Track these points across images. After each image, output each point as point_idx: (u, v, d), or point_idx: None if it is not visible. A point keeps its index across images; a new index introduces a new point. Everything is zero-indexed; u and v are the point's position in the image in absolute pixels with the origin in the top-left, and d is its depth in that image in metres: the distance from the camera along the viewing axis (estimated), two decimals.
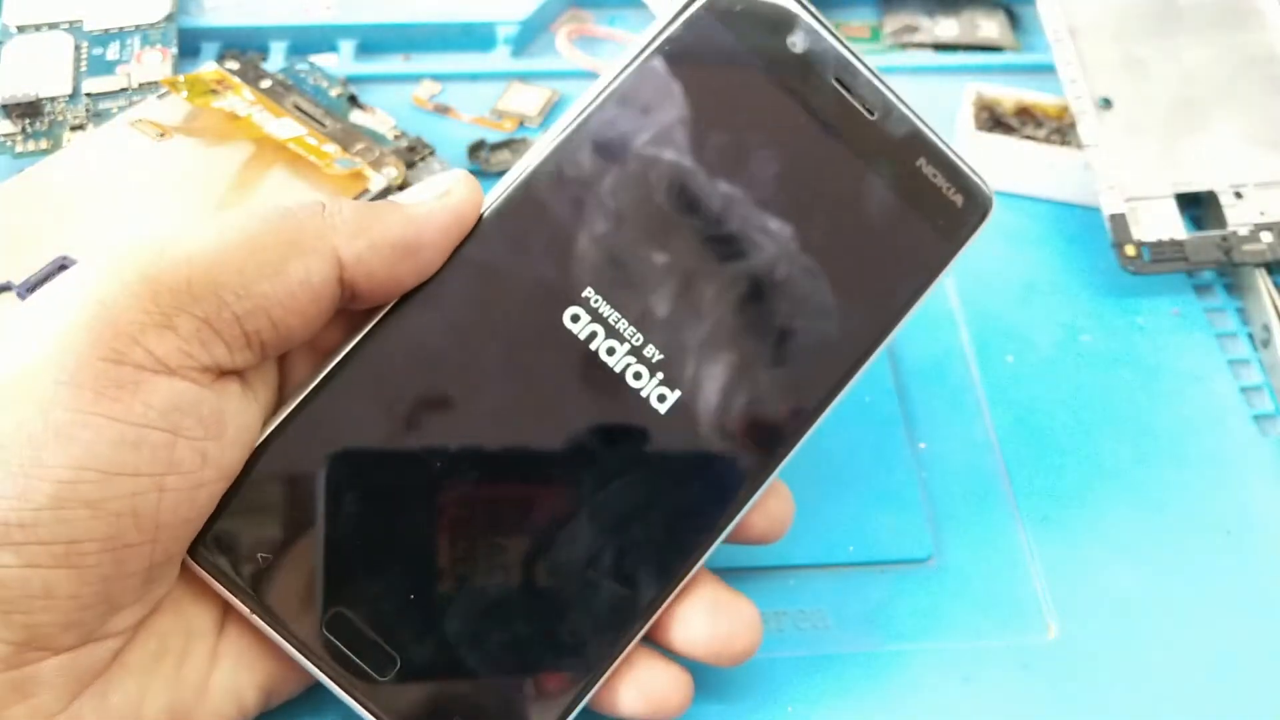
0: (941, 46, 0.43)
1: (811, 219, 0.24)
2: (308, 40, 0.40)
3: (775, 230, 0.24)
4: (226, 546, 0.22)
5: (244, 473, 0.22)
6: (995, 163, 0.37)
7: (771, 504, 0.25)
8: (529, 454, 0.24)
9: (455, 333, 0.23)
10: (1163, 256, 0.34)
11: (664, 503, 0.24)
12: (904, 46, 0.43)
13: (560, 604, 0.24)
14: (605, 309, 0.24)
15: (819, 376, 0.24)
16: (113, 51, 0.37)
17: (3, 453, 0.19)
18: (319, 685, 0.23)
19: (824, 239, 0.24)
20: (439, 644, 0.23)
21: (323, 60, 0.40)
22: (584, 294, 0.24)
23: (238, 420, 0.22)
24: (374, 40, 0.41)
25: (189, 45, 0.39)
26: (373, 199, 0.32)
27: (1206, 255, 0.34)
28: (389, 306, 0.23)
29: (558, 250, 0.24)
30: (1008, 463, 0.31)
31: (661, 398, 0.24)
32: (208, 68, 0.36)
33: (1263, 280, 0.34)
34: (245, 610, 0.22)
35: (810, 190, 0.24)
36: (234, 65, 0.36)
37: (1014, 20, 0.45)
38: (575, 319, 0.23)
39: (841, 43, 0.24)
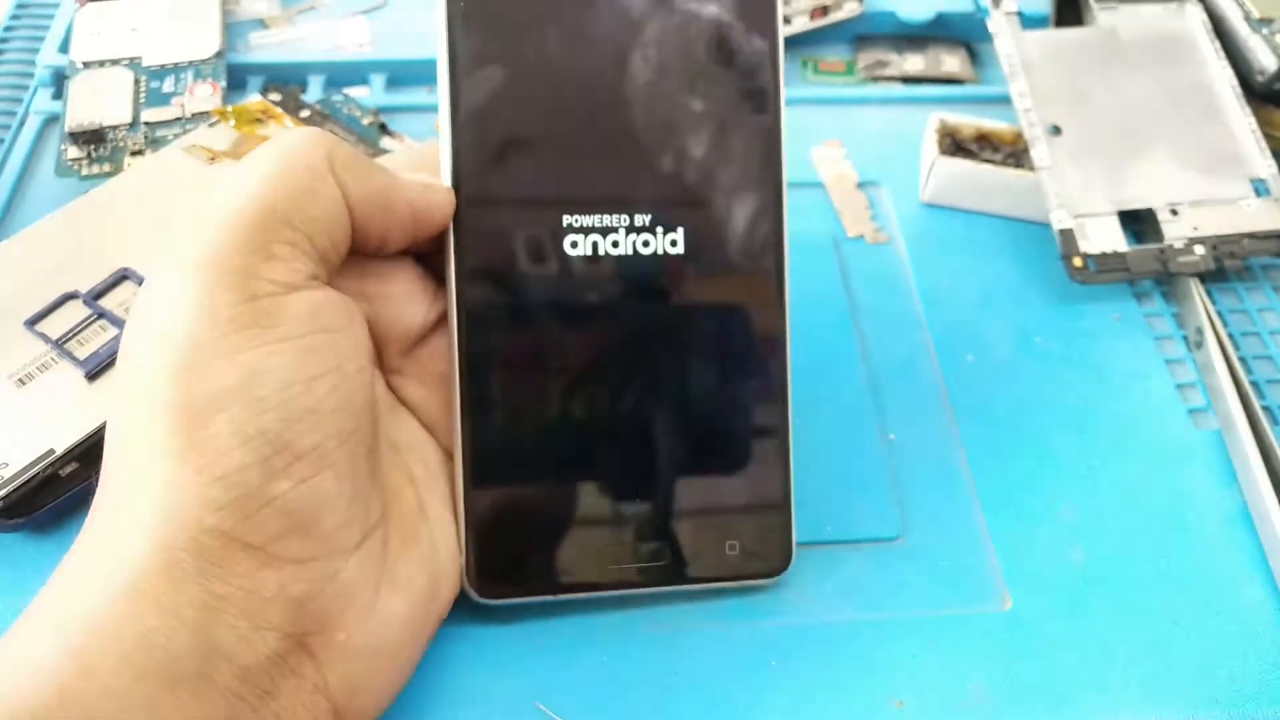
0: (909, 79, 0.43)
1: (667, 63, 0.25)
2: (343, 75, 0.40)
3: (654, 83, 0.25)
4: (508, 569, 0.24)
5: (468, 510, 0.24)
6: (956, 183, 0.36)
7: None
8: (626, 343, 0.25)
9: (516, 308, 0.25)
10: (1106, 267, 0.33)
11: (736, 291, 0.26)
12: (875, 79, 0.43)
13: (733, 408, 0.25)
14: (586, 220, 0.25)
15: (762, 138, 0.26)
16: (168, 85, 0.37)
17: (231, 415, 0.19)
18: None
19: (686, 64, 0.25)
20: (680, 512, 0.25)
21: (356, 92, 0.39)
22: (565, 223, 0.24)
23: (356, 312, 0.23)
24: (401, 75, 0.41)
25: (236, 79, 0.39)
26: None
27: (1145, 266, 0.34)
28: (457, 322, 0.24)
29: (527, 208, 0.25)
30: (968, 452, 0.30)
31: (673, 242, 0.25)
32: (253, 99, 0.35)
33: (1195, 288, 0.34)
34: (562, 596, 0.24)
35: (646, 46, 0.25)
36: (276, 97, 0.36)
37: (973, 56, 0.44)
38: (574, 245, 0.25)
39: None
